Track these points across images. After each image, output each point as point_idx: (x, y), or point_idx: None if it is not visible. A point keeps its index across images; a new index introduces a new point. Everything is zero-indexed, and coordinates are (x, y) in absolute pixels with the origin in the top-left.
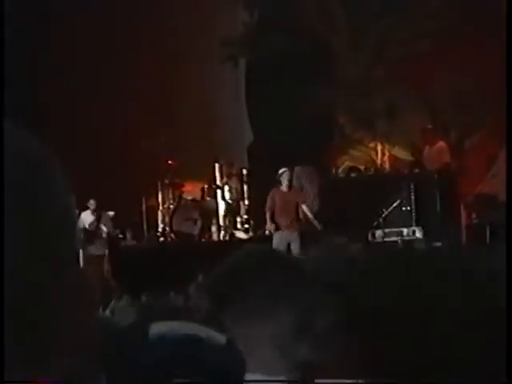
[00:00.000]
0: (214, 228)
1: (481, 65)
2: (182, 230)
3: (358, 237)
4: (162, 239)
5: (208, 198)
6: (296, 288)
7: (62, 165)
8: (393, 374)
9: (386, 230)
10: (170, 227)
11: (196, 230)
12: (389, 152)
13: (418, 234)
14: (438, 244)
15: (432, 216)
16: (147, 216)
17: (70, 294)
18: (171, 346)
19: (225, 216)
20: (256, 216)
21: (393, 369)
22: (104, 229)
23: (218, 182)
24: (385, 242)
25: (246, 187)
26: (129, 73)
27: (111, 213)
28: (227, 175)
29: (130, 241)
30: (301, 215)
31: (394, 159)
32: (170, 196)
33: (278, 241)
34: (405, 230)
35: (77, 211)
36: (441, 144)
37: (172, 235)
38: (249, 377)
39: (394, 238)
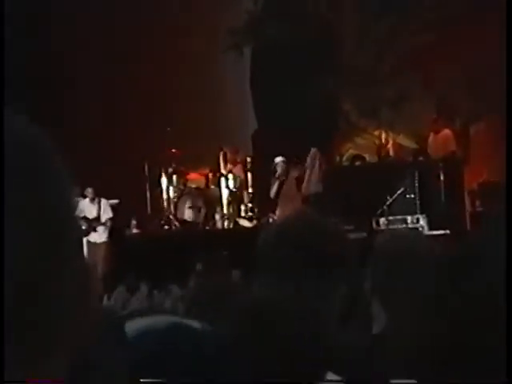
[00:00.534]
0: (217, 216)
1: (484, 53)
2: (186, 218)
3: (363, 224)
4: (166, 227)
5: (212, 186)
6: None
7: (61, 153)
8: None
9: (390, 218)
10: (175, 215)
11: (200, 218)
12: (393, 140)
13: (422, 222)
14: (442, 232)
15: (436, 204)
16: (151, 204)
17: (71, 283)
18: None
19: (229, 204)
20: (260, 204)
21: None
22: (104, 215)
23: (222, 170)
24: (389, 229)
25: (250, 175)
26: (133, 61)
27: (115, 201)
28: (231, 163)
29: (134, 229)
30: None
31: (398, 147)
32: (175, 184)
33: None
34: (409, 218)
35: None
36: (446, 132)
37: (176, 223)
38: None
39: (398, 226)
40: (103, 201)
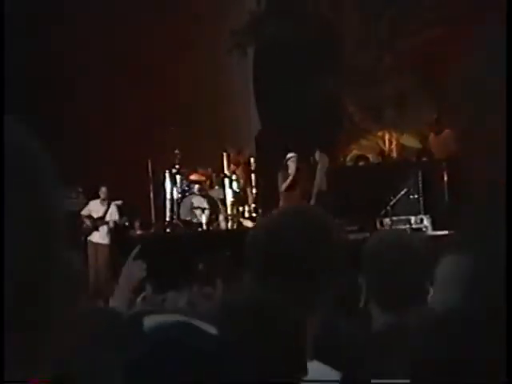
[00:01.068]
0: (221, 217)
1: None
2: (189, 219)
3: (366, 225)
4: (169, 228)
5: (216, 187)
6: None
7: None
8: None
9: (394, 218)
10: (178, 216)
11: (204, 219)
12: (397, 140)
13: (426, 222)
14: (446, 232)
15: (440, 204)
16: (155, 205)
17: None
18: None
19: (232, 205)
20: (263, 204)
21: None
22: (111, 217)
23: (226, 171)
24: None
25: (253, 176)
26: (138, 62)
27: (119, 202)
28: (235, 164)
29: (137, 230)
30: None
31: (401, 147)
32: (178, 185)
33: None
34: (412, 218)
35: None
36: (447, 132)
37: (180, 224)
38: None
39: (401, 226)
40: (113, 203)
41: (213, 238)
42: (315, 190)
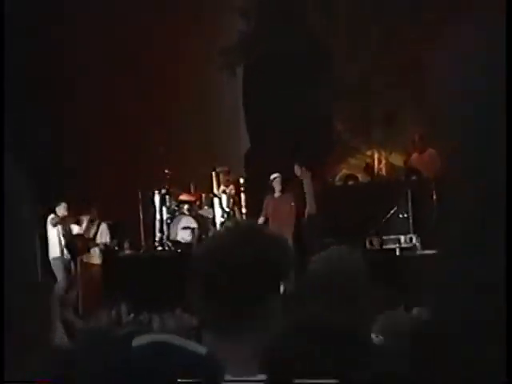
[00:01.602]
0: None
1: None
2: (179, 239)
3: (356, 244)
4: (159, 248)
5: (205, 207)
6: None
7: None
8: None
9: (384, 238)
10: (168, 236)
11: (193, 239)
12: (386, 159)
13: (415, 241)
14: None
15: (429, 223)
16: (144, 225)
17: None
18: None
19: (222, 224)
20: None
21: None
22: (102, 240)
23: (215, 191)
24: (382, 249)
25: (243, 195)
26: (127, 82)
27: (107, 222)
28: (224, 183)
29: (127, 250)
30: (293, 221)
31: (390, 166)
32: (167, 205)
33: None
34: (402, 237)
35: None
36: (430, 151)
37: (169, 244)
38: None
39: (391, 246)
40: (103, 225)
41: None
42: (307, 210)
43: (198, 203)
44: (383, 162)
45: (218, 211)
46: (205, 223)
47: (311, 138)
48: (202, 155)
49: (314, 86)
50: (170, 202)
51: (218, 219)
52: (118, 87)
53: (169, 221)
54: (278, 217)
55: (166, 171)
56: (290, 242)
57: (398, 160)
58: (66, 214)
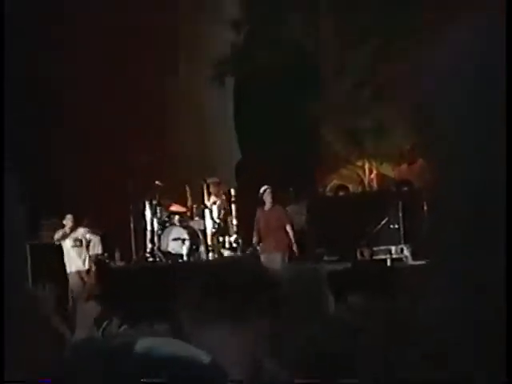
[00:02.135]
0: (202, 248)
1: None
2: (170, 250)
3: (347, 255)
4: (150, 259)
5: (196, 218)
6: None
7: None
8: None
9: (375, 248)
10: (159, 247)
11: (184, 250)
12: (376, 170)
13: (406, 252)
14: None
15: (420, 233)
16: (135, 237)
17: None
18: (155, 362)
19: (213, 235)
20: (244, 235)
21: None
22: (94, 252)
23: (206, 202)
24: (373, 259)
25: (234, 206)
26: (118, 95)
27: (97, 236)
28: (215, 194)
29: (118, 261)
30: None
31: (381, 177)
32: (158, 216)
33: (265, 262)
34: (393, 248)
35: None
36: (421, 162)
37: (160, 255)
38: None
39: (382, 256)
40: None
41: (194, 268)
42: (296, 223)
43: (188, 214)
44: (374, 172)
45: (208, 222)
46: (196, 234)
47: (302, 150)
48: (193, 167)
49: (304, 97)
50: (161, 213)
51: (209, 230)
52: (107, 98)
53: (160, 232)
54: (270, 230)
55: (157, 182)
56: (280, 258)
57: (389, 171)
58: (71, 224)
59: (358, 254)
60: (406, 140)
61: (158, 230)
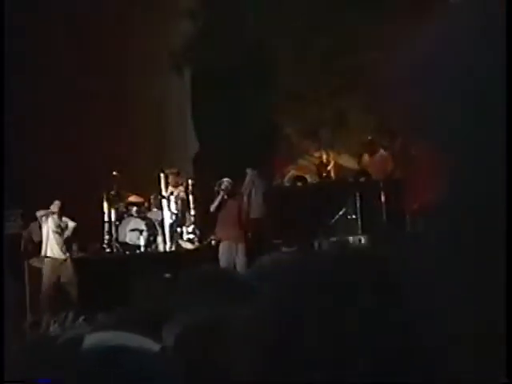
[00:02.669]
0: (160, 239)
1: None
2: (127, 241)
3: (305, 246)
4: (107, 251)
5: (154, 209)
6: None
7: None
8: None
9: (332, 239)
10: (116, 238)
11: (142, 241)
12: (335, 161)
13: (364, 243)
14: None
15: (378, 224)
16: (92, 228)
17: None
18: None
19: (171, 226)
20: (202, 226)
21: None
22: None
23: (164, 193)
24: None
25: (191, 197)
26: (76, 86)
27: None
28: (173, 185)
29: (75, 253)
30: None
31: (339, 168)
32: (116, 207)
33: (223, 251)
34: (351, 239)
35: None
36: (382, 153)
37: (118, 246)
38: None
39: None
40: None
41: (151, 259)
42: (253, 214)
43: (146, 205)
44: (332, 163)
45: (166, 213)
46: (153, 225)
47: (259, 140)
48: (151, 158)
49: (262, 87)
50: (118, 204)
51: (167, 221)
52: (67, 87)
53: (117, 223)
54: (226, 219)
55: (114, 173)
56: (242, 247)
57: (347, 161)
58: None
59: (316, 245)
60: (366, 131)
61: (116, 220)
